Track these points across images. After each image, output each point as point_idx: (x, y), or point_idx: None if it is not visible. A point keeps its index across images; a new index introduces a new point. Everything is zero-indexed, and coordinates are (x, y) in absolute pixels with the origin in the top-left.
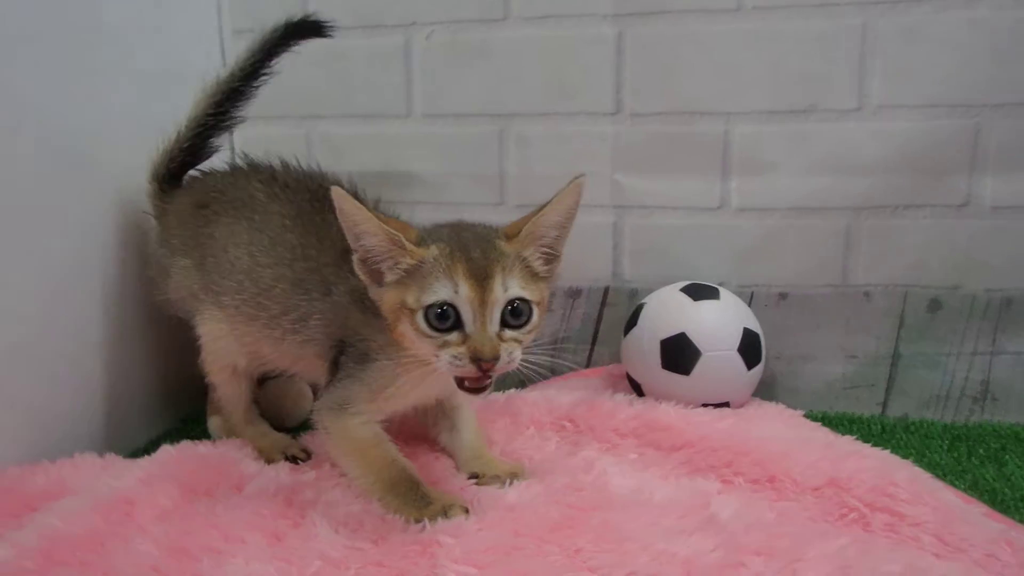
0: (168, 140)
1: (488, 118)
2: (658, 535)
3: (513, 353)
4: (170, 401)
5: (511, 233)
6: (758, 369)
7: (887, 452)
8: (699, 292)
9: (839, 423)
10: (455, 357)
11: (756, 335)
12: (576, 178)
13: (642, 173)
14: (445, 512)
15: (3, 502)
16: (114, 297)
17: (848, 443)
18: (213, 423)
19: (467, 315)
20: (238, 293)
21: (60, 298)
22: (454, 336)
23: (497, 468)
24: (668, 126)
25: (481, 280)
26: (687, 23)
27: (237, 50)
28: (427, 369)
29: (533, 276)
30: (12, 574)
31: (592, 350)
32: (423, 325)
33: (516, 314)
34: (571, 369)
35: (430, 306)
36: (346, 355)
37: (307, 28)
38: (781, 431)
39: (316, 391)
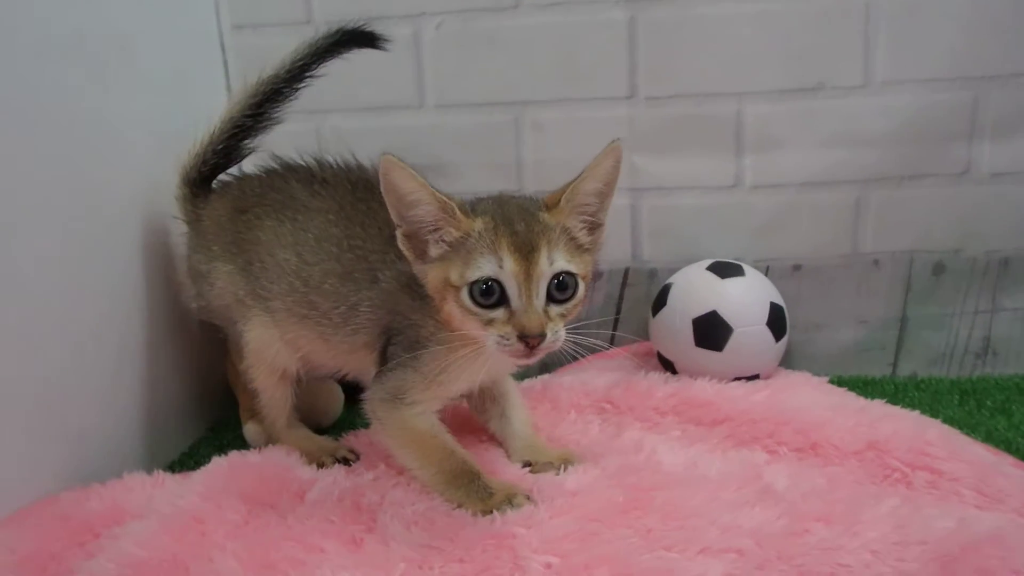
0: (200, 142)
1: (502, 106)
2: (722, 509)
3: (558, 332)
4: (199, 410)
5: (551, 203)
6: (784, 340)
7: (917, 412)
8: (725, 270)
9: (853, 385)
10: (502, 337)
11: (781, 308)
12: (613, 142)
13: (658, 155)
14: (509, 501)
15: (63, 529)
16: (144, 310)
17: (879, 406)
18: (250, 430)
19: (512, 290)
20: (288, 295)
21: (99, 317)
22: (500, 313)
23: (549, 455)
24: (682, 108)
25: (526, 254)
26: (697, 6)
27: (237, 46)
28: (477, 349)
29: (577, 248)
30: None
31: (615, 330)
32: (468, 302)
33: (562, 288)
34: (596, 350)
35: (475, 282)
36: (395, 344)
37: (361, 37)
38: (815, 399)
39: (350, 389)
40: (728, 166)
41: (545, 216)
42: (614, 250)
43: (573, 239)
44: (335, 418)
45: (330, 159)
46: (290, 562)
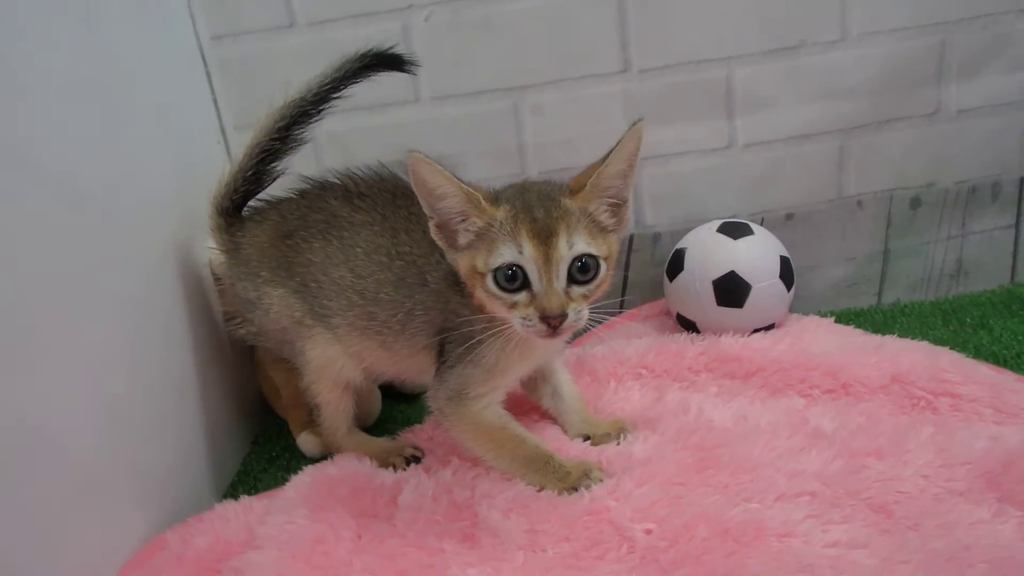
0: (229, 171)
1: (500, 92)
2: (782, 457)
3: (581, 312)
4: (242, 426)
5: (576, 187)
6: (794, 289)
7: (926, 343)
8: (735, 230)
9: (846, 318)
10: (525, 318)
11: (788, 259)
12: (635, 123)
13: (655, 124)
14: (587, 475)
15: (182, 570)
16: (187, 337)
17: (893, 341)
18: (305, 440)
19: (533, 274)
20: (349, 310)
21: (153, 353)
22: (523, 296)
23: (604, 426)
24: (675, 77)
25: (545, 239)
26: None
27: (219, 56)
28: (510, 331)
29: (601, 230)
30: None
31: (623, 294)
32: (493, 287)
33: (584, 270)
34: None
35: (498, 268)
36: (451, 341)
37: (388, 60)
38: (833, 342)
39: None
40: (721, 128)
41: (566, 201)
42: None
43: (596, 222)
44: (375, 418)
45: (361, 172)
46: (420, 568)
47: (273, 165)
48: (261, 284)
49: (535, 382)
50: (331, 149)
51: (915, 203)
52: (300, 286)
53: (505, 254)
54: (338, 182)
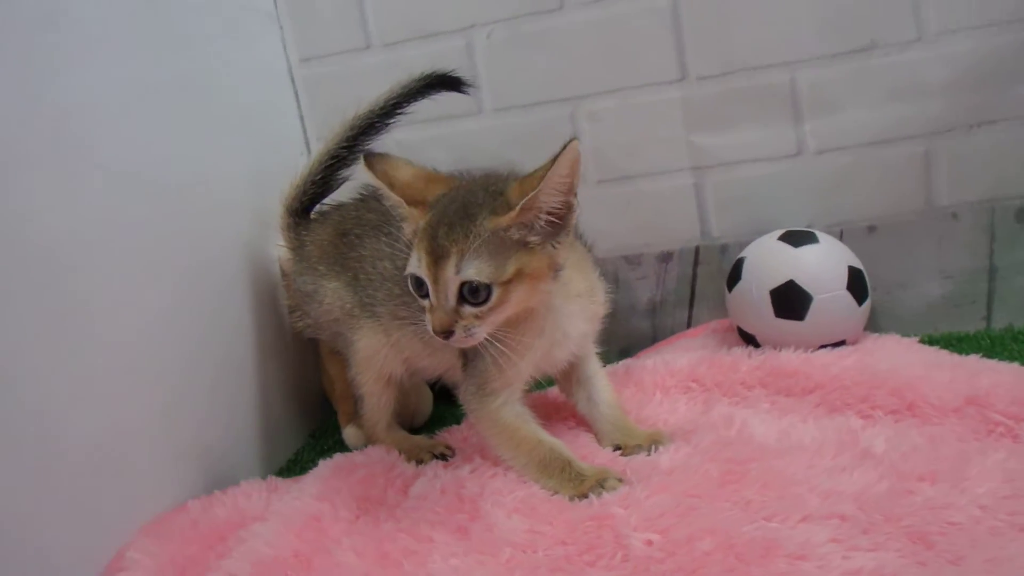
0: (300, 175)
1: (557, 103)
2: (820, 476)
3: (472, 329)
4: (300, 420)
5: (508, 202)
6: (867, 303)
7: (1016, 364)
8: (798, 238)
9: (947, 342)
10: (424, 324)
11: (860, 271)
12: (569, 141)
13: (717, 131)
14: (601, 484)
15: (195, 534)
16: (251, 331)
17: (975, 361)
18: (349, 434)
19: (429, 288)
20: (389, 300)
21: (215, 340)
22: (427, 303)
23: (638, 436)
24: (735, 82)
25: (437, 259)
26: None
27: (305, 76)
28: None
29: (520, 248)
30: None
31: (691, 309)
32: (410, 288)
33: (474, 293)
34: (671, 332)
35: (408, 275)
36: None
37: (447, 82)
38: (907, 359)
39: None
40: (788, 134)
41: (482, 221)
42: (683, 230)
43: (511, 243)
44: (426, 418)
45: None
46: (403, 552)
47: (340, 172)
48: (319, 278)
49: (570, 385)
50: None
51: (1021, 215)
52: (352, 279)
53: (412, 263)
54: None
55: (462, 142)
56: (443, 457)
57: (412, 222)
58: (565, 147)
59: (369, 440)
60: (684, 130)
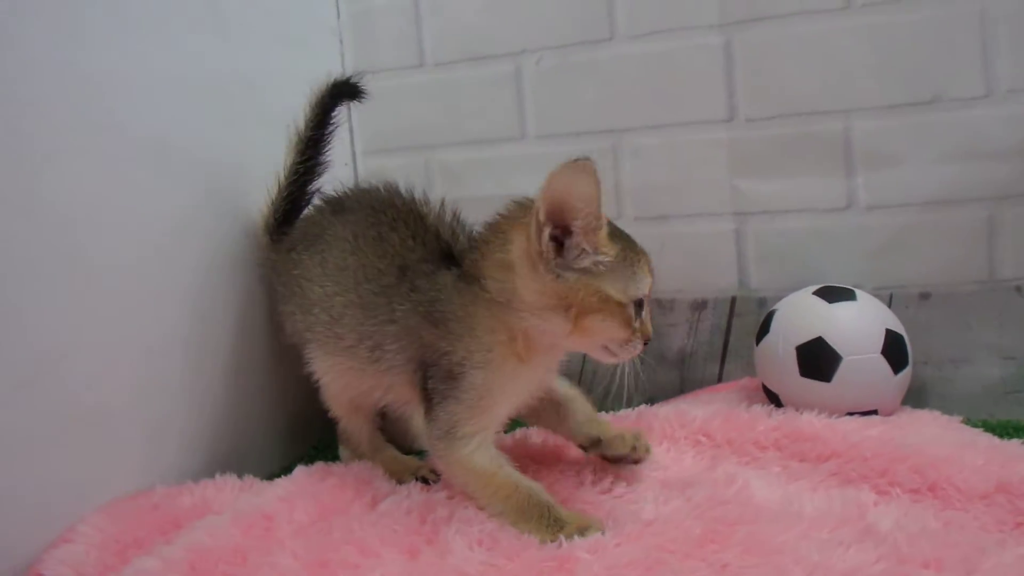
0: (272, 192)
1: (601, 134)
2: (812, 548)
3: None
4: (301, 430)
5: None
6: (905, 373)
7: None
8: (834, 294)
9: (1003, 431)
10: (632, 343)
11: (900, 336)
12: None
13: (762, 177)
14: (581, 533)
15: (151, 518)
16: (249, 328)
17: (1015, 446)
18: (343, 453)
19: (645, 302)
20: (318, 326)
21: (209, 330)
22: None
23: (614, 429)
24: (785, 128)
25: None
26: (794, 25)
27: None
28: (518, 366)
29: None
30: None
31: (723, 364)
32: (632, 314)
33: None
34: (699, 384)
35: (639, 298)
36: (432, 377)
37: (346, 90)
38: (938, 436)
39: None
40: (839, 186)
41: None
42: (719, 278)
43: None
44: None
45: (366, 184)
46: (344, 564)
47: (306, 187)
48: (279, 301)
49: (538, 412)
50: (443, 178)
51: None
52: (298, 300)
53: (642, 285)
54: (336, 196)
55: (503, 167)
56: (425, 480)
57: (607, 249)
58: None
59: (357, 459)
60: (728, 173)
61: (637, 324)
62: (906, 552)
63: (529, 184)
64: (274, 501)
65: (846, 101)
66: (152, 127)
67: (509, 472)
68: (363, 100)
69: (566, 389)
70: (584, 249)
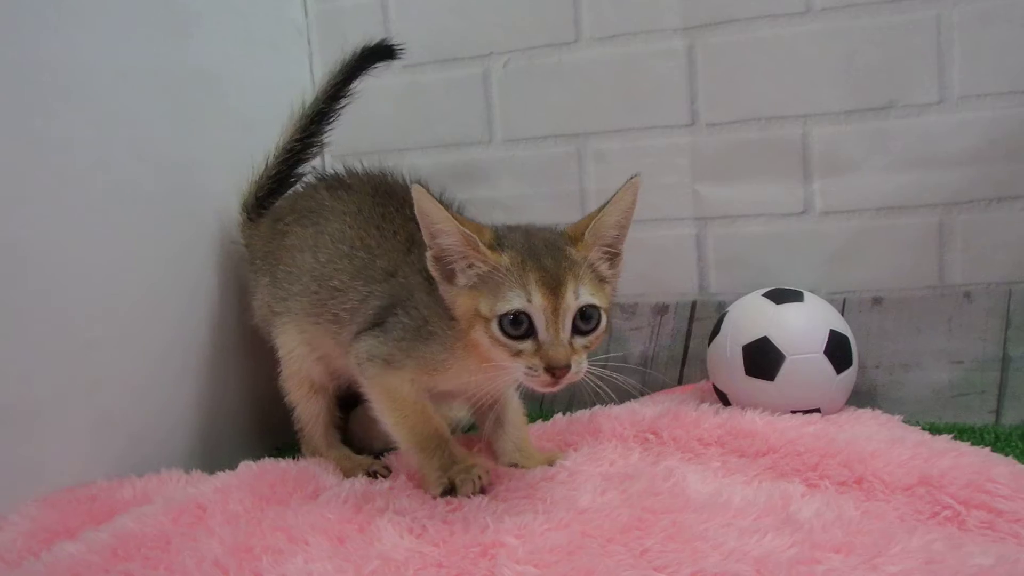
0: (257, 171)
1: (565, 138)
2: (731, 535)
3: (582, 363)
4: (263, 431)
5: (575, 236)
6: (849, 373)
7: (986, 450)
8: (782, 296)
9: (949, 434)
10: (530, 368)
11: (844, 337)
12: (632, 177)
13: (722, 182)
14: (468, 471)
15: (87, 509)
16: (211, 324)
17: (944, 442)
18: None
19: (540, 323)
20: (303, 295)
21: (157, 323)
22: (528, 344)
23: (535, 459)
24: (745, 133)
25: (554, 288)
26: (756, 29)
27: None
28: (496, 375)
29: (600, 280)
30: (78, 567)
31: (683, 367)
32: (498, 333)
33: (586, 319)
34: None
35: (504, 315)
36: (396, 315)
37: (381, 52)
38: (872, 432)
39: None
40: (796, 191)
41: (571, 250)
42: (680, 283)
43: (596, 271)
44: (387, 443)
45: (359, 168)
46: (268, 549)
47: (295, 167)
48: (254, 273)
49: (482, 410)
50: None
51: None
52: (276, 273)
53: (513, 301)
54: (333, 174)
55: (471, 171)
56: (374, 475)
57: (484, 260)
58: (628, 181)
59: (312, 456)
60: (690, 178)
61: (526, 347)
62: (819, 538)
63: (496, 188)
64: (210, 492)
65: (805, 106)
66: (106, 122)
67: (426, 406)
68: (400, 58)
69: (511, 414)
70: (456, 262)
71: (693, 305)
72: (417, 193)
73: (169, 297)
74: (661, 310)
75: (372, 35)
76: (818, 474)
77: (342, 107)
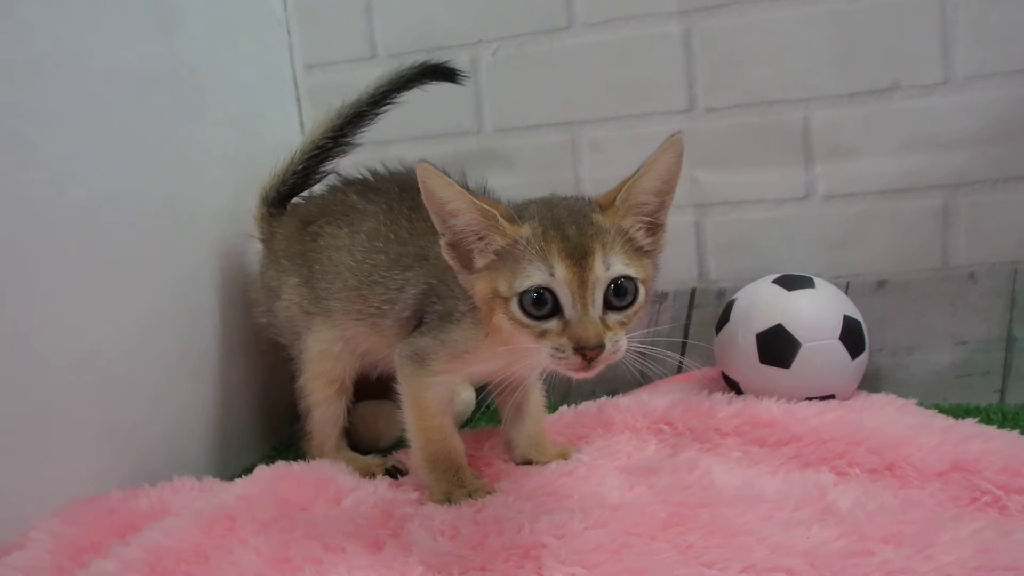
0: (280, 166)
1: (559, 126)
2: (774, 528)
3: (619, 341)
4: (264, 430)
5: (605, 203)
6: (862, 359)
7: (1015, 432)
8: (793, 282)
9: (955, 414)
10: (556, 349)
11: (857, 322)
12: (673, 135)
13: (721, 168)
14: (470, 496)
15: (107, 522)
16: (213, 328)
17: (969, 426)
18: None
19: (566, 299)
20: (343, 291)
21: (161, 329)
22: (553, 324)
23: (548, 453)
24: (745, 118)
25: (579, 259)
26: (754, 12)
27: (309, 83)
28: (522, 359)
29: (636, 250)
30: None
31: (682, 354)
32: (518, 313)
33: (620, 294)
34: (665, 361)
35: (524, 292)
36: (431, 311)
37: (441, 72)
38: (894, 418)
39: None
40: (798, 176)
41: (598, 217)
42: (679, 270)
43: (631, 241)
44: (392, 441)
45: (382, 169)
46: (308, 559)
47: (324, 164)
48: (281, 272)
49: (504, 392)
50: None
51: None
52: (309, 274)
53: (534, 276)
54: (360, 178)
55: (462, 162)
56: (394, 472)
57: (505, 236)
58: (668, 140)
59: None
60: (688, 164)
61: (552, 326)
62: (866, 529)
63: (486, 180)
64: (234, 501)
65: (805, 90)
66: (87, 118)
67: (446, 422)
68: (461, 83)
69: (532, 404)
70: (474, 244)
71: (692, 292)
72: (423, 171)
73: (174, 302)
74: (660, 298)
75: (356, 24)
76: (846, 462)
77: (383, 112)
